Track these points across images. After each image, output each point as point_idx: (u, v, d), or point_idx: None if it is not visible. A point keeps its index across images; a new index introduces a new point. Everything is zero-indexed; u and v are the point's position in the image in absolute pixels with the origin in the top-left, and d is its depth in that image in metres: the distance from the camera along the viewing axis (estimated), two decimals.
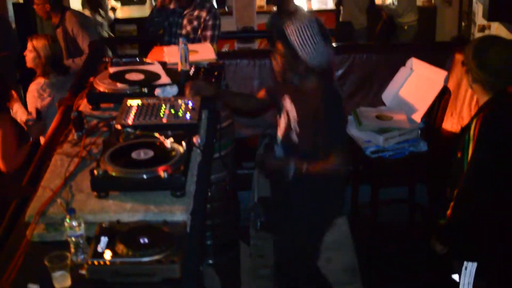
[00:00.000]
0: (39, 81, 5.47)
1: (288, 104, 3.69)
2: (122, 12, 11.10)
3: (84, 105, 3.69)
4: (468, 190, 3.28)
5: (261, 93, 4.02)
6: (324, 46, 3.34)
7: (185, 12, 5.81)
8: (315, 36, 3.29)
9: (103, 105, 3.67)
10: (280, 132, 3.79)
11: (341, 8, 10.37)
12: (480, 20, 9.57)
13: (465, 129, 3.36)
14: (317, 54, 3.34)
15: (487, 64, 3.23)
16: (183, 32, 5.79)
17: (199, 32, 5.77)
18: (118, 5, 11.27)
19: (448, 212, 3.38)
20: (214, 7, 6.05)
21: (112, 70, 3.83)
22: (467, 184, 3.27)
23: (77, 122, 3.28)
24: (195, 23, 5.79)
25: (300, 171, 3.54)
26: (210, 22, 5.77)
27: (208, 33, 5.77)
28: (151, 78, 3.74)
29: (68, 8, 7.34)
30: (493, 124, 3.23)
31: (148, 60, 4.17)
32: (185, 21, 5.80)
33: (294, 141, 3.66)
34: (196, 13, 5.79)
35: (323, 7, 11.13)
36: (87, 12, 10.03)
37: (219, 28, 5.89)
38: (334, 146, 3.50)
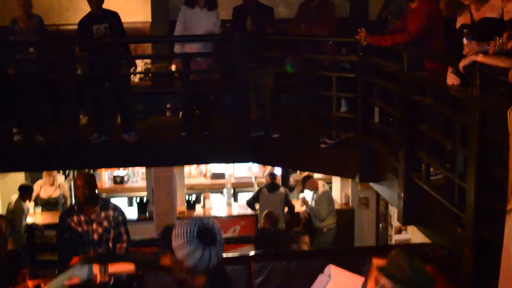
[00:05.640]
0: None
1: None
2: (43, 218, 10.99)
3: None
4: None
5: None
6: (200, 250, 3.27)
7: (92, 217, 5.92)
8: (190, 242, 3.25)
9: None
10: None
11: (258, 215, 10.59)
12: (396, 222, 9.88)
13: None
14: (192, 258, 3.27)
15: (429, 280, 3.29)
16: (95, 236, 5.90)
17: (111, 231, 5.94)
18: (38, 210, 11.22)
19: None
20: (116, 204, 6.26)
21: (30, 283, 3.79)
22: None
23: None
24: (105, 223, 5.94)
25: None
26: (120, 218, 6.02)
27: (122, 229, 6.00)
28: None
29: None
30: None
31: None
32: (94, 226, 5.91)
33: None
34: (103, 214, 5.95)
35: (242, 211, 11.29)
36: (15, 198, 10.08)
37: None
38: None
